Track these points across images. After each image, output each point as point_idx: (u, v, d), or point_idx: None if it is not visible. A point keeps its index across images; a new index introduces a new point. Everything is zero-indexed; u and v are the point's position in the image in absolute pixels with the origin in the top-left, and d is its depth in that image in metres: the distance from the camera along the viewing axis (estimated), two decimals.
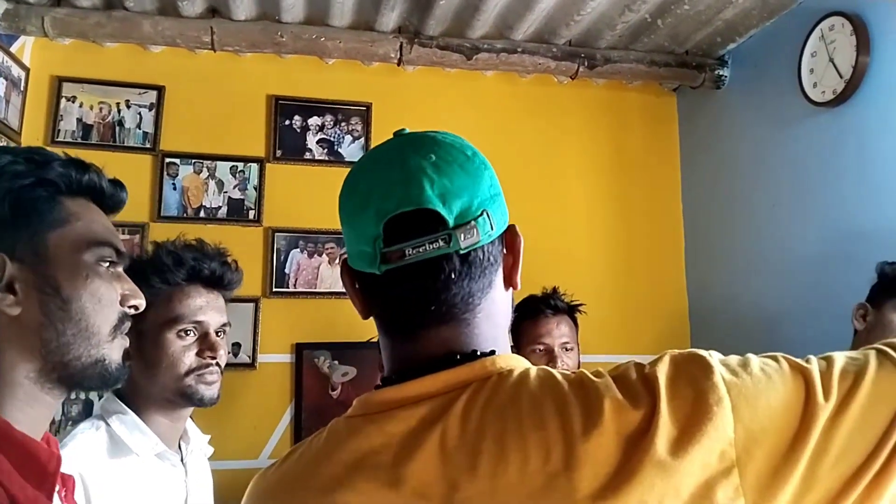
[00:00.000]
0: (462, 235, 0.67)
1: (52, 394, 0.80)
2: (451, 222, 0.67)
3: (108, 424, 1.30)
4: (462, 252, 0.68)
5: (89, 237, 0.82)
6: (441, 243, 0.67)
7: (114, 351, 0.82)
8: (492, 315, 0.72)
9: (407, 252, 0.67)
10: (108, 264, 0.83)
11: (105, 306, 0.81)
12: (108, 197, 0.87)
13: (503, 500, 0.60)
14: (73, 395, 2.40)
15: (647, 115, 3.07)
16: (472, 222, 0.68)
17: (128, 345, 0.85)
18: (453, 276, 0.68)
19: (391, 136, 0.76)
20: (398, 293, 0.70)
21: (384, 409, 0.69)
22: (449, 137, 0.74)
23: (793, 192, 2.41)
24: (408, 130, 0.76)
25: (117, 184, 0.89)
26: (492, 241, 0.70)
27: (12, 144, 2.39)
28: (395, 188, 0.69)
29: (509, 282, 0.74)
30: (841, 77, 2.16)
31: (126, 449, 1.29)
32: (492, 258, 0.70)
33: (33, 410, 0.78)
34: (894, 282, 1.93)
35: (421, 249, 0.67)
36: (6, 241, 0.77)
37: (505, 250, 0.73)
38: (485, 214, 0.68)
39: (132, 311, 0.85)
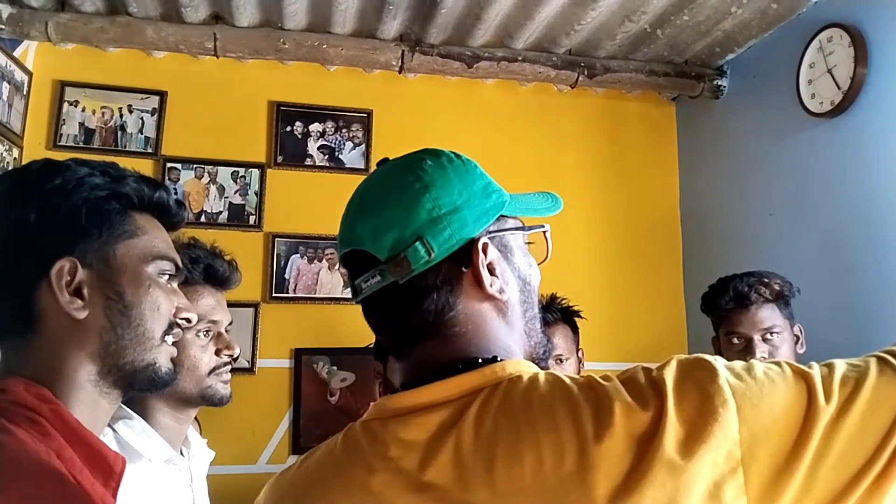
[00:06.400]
0: (392, 269, 0.71)
1: (108, 398, 0.83)
2: (381, 257, 0.72)
3: (114, 430, 1.27)
4: (402, 282, 0.71)
5: (154, 251, 0.87)
6: (378, 277, 0.72)
7: (161, 355, 0.86)
8: (479, 325, 0.74)
9: (361, 286, 0.74)
10: (167, 277, 0.88)
11: (161, 315, 0.86)
12: (173, 215, 0.92)
13: (520, 502, 0.62)
14: None
15: (646, 124, 3.09)
16: (402, 254, 0.71)
17: (175, 353, 0.90)
18: (401, 304, 0.73)
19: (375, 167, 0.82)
20: (372, 321, 0.77)
21: (399, 413, 0.71)
22: (402, 162, 0.78)
23: (790, 202, 2.42)
24: (389, 159, 0.80)
25: (181, 203, 0.94)
26: (438, 264, 0.72)
27: (15, 149, 2.40)
28: (344, 229, 0.77)
29: (485, 294, 0.74)
30: (839, 88, 2.17)
31: (135, 454, 1.26)
32: (442, 279, 0.73)
33: (93, 414, 0.81)
34: (706, 311, 1.99)
35: (366, 284, 0.73)
36: (79, 248, 0.81)
37: (465, 267, 0.73)
38: (418, 242, 0.71)
39: (185, 324, 0.90)
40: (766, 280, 1.87)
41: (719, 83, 2.83)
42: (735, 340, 1.86)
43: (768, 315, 1.85)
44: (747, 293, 1.85)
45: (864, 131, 2.13)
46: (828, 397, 0.61)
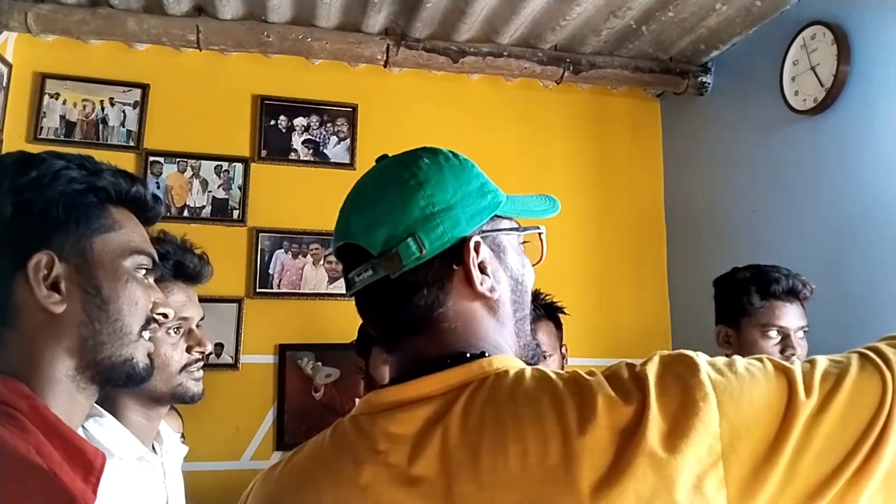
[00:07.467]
0: (384, 264, 0.72)
1: (85, 393, 0.83)
2: (374, 252, 0.73)
3: (84, 428, 1.25)
4: (393, 277, 0.72)
5: (131, 245, 0.86)
6: (371, 272, 0.73)
7: (139, 351, 0.86)
8: (468, 322, 0.75)
9: (354, 279, 0.75)
10: (144, 272, 0.88)
11: (139, 310, 0.86)
12: (149, 209, 0.92)
13: (504, 493, 0.63)
14: None
15: (631, 120, 3.10)
16: (394, 250, 0.72)
17: (152, 348, 0.89)
18: (392, 298, 0.74)
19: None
20: (364, 314, 0.78)
21: (386, 408, 0.72)
22: (400, 159, 0.79)
23: (773, 198, 2.44)
24: (389, 156, 0.81)
25: (157, 198, 0.94)
26: (429, 261, 0.73)
27: None
28: (339, 223, 0.78)
29: (476, 292, 0.75)
30: (822, 85, 2.19)
31: (107, 453, 1.25)
32: (433, 276, 0.73)
33: (70, 409, 0.81)
34: (736, 297, 1.87)
35: (359, 278, 0.74)
36: (55, 242, 0.80)
37: (456, 265, 0.74)
38: (409, 239, 0.72)
39: (162, 320, 0.90)
40: (804, 279, 1.84)
41: (704, 80, 2.84)
42: (773, 334, 1.80)
43: (802, 313, 1.83)
44: (800, 289, 1.81)
45: (846, 129, 2.15)
46: (808, 392, 0.62)
